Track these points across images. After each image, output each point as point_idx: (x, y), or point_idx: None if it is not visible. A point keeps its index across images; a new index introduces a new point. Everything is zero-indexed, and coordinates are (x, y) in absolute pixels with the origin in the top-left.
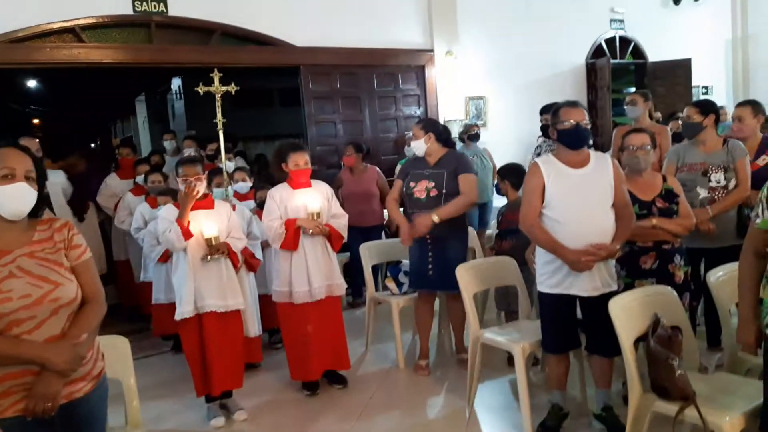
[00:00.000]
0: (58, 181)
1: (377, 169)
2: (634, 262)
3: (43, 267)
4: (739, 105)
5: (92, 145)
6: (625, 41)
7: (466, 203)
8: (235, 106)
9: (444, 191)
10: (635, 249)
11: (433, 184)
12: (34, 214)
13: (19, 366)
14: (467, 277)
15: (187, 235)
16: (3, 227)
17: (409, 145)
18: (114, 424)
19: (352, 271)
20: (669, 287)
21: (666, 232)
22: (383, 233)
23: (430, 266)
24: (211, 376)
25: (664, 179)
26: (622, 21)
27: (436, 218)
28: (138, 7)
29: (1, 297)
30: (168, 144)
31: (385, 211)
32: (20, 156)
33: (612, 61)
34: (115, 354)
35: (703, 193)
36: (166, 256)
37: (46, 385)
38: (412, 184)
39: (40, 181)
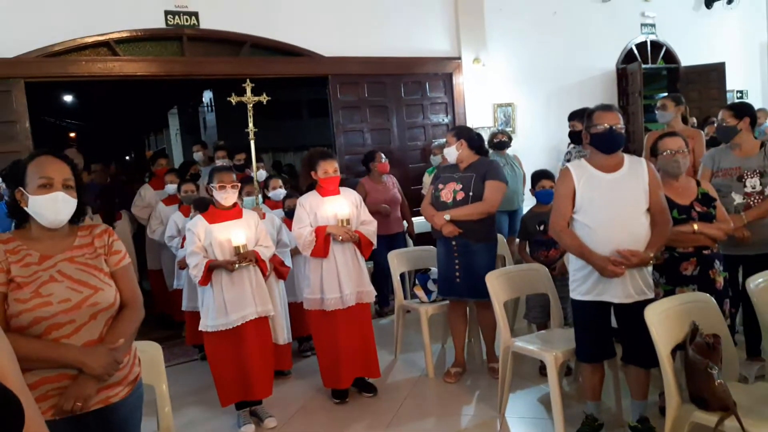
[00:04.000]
0: None
1: (394, 177)
2: (675, 268)
3: (83, 272)
4: None
5: (126, 157)
6: (656, 46)
7: (484, 209)
8: (265, 118)
9: (471, 194)
10: (675, 255)
11: (461, 186)
12: (75, 220)
13: (56, 370)
14: (497, 284)
15: (205, 281)
16: (44, 234)
17: (433, 155)
18: (146, 430)
19: (377, 279)
20: (707, 294)
21: (707, 236)
22: (407, 241)
23: (457, 273)
24: (241, 384)
25: (698, 184)
26: (653, 25)
27: (447, 216)
28: (170, 21)
29: (42, 301)
30: (197, 155)
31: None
32: (58, 164)
33: (643, 66)
34: (148, 360)
35: (738, 198)
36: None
37: (81, 386)
38: (440, 186)
39: (79, 188)
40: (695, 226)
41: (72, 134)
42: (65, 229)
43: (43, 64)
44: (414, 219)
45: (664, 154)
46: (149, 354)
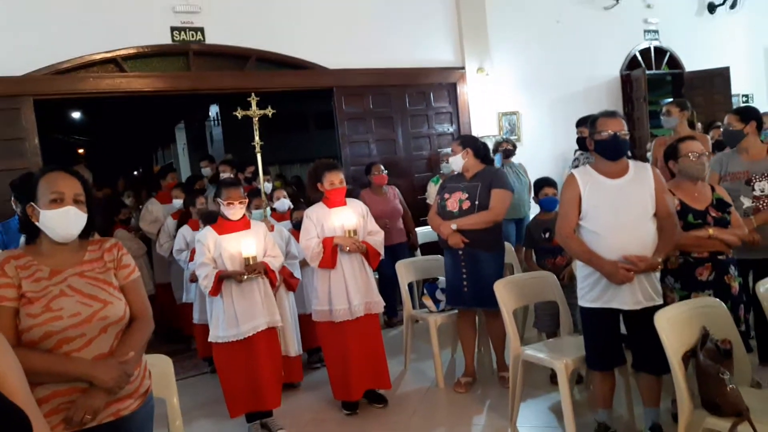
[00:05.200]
0: None
1: (396, 188)
2: (690, 274)
3: (93, 286)
4: None
5: (135, 172)
6: (660, 52)
7: (490, 219)
8: (271, 131)
9: (477, 203)
10: (690, 261)
11: (467, 195)
12: (86, 234)
13: (67, 384)
14: (506, 292)
15: (215, 292)
16: (54, 248)
17: (444, 162)
18: None
19: (383, 289)
20: (717, 299)
21: (722, 242)
22: (413, 251)
23: (465, 283)
24: (250, 394)
25: (713, 189)
26: (656, 31)
27: (454, 226)
28: (176, 37)
29: (52, 315)
30: (205, 171)
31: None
32: (69, 179)
33: (648, 72)
34: (158, 373)
35: (746, 202)
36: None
37: (91, 399)
38: (446, 195)
39: (90, 204)
40: (711, 231)
41: (80, 150)
42: (75, 244)
43: (52, 81)
44: (418, 229)
45: (690, 156)
46: (160, 367)
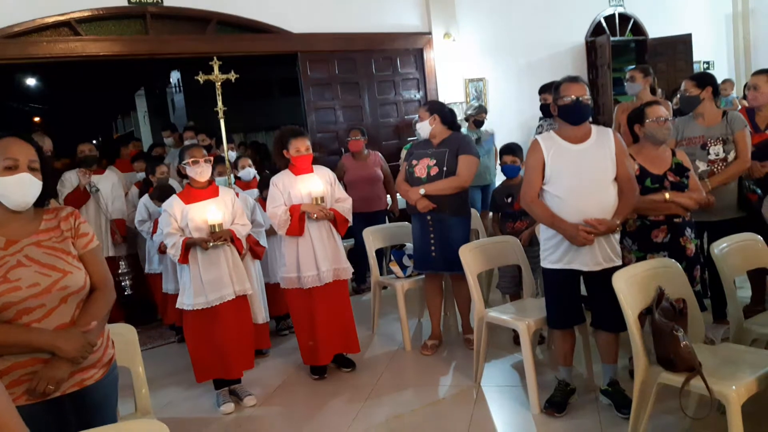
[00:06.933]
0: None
1: (379, 154)
2: (646, 236)
3: (51, 255)
4: (755, 74)
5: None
6: (624, 18)
7: (458, 184)
8: (235, 98)
9: (445, 169)
10: (647, 223)
11: (435, 161)
12: (40, 203)
13: (28, 355)
14: (471, 257)
15: (184, 259)
16: (9, 217)
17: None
18: (124, 412)
19: (356, 257)
20: (672, 260)
21: (678, 205)
22: (387, 218)
23: (433, 248)
24: (218, 362)
25: (673, 153)
26: None
27: (422, 191)
28: None
29: (10, 286)
30: (168, 141)
31: (388, 196)
32: (23, 146)
33: (612, 38)
34: (123, 342)
35: (702, 166)
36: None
37: (53, 369)
38: (414, 162)
39: (45, 171)
40: (666, 195)
41: (37, 119)
42: (30, 213)
43: (2, 46)
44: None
45: (655, 120)
46: (124, 336)
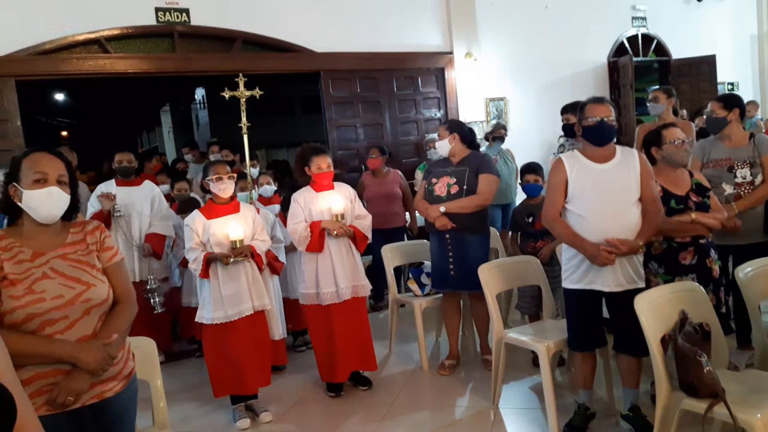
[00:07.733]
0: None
1: (399, 172)
2: (674, 258)
3: (76, 268)
4: None
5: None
6: (647, 39)
7: (479, 203)
8: (258, 115)
9: (465, 187)
10: (674, 245)
11: (455, 180)
12: (68, 217)
13: (50, 365)
14: (490, 276)
15: (205, 274)
16: (37, 230)
17: (428, 149)
18: (142, 425)
19: (374, 274)
20: (696, 283)
21: (703, 226)
22: (405, 236)
23: (451, 266)
24: (235, 377)
25: (691, 174)
26: (644, 18)
27: (442, 209)
28: (161, 18)
29: (35, 297)
30: (188, 158)
31: (407, 213)
32: (52, 160)
33: (635, 59)
34: (142, 355)
35: (728, 189)
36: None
37: (74, 380)
38: (433, 180)
39: (73, 185)
40: (693, 216)
41: (64, 133)
42: (57, 226)
43: (34, 62)
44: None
45: (674, 143)
46: (144, 350)
